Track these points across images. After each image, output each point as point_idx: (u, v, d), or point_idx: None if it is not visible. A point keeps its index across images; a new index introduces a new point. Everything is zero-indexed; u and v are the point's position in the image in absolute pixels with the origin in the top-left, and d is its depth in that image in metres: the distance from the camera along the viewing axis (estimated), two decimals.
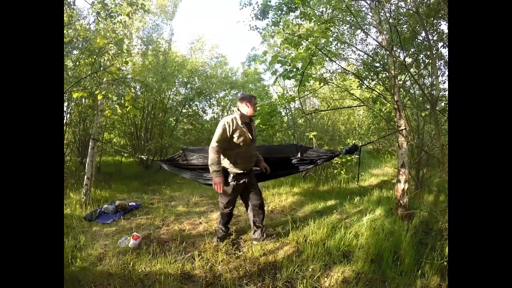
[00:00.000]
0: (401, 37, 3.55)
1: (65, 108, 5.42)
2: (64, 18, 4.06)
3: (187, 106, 7.94)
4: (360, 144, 3.80)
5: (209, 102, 8.76)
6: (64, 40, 4.30)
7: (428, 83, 4.54)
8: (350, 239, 2.48)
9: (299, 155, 2.85)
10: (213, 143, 2.29)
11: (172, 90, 7.46)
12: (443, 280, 1.88)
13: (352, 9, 3.83)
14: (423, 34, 3.61)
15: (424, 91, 3.83)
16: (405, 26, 3.90)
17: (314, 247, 2.34)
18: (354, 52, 4.90)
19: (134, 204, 3.69)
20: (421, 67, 4.22)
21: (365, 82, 4.22)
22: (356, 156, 5.53)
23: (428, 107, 3.94)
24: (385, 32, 3.45)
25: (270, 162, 2.75)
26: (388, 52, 3.30)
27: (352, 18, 3.95)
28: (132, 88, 6.04)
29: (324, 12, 4.09)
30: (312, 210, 3.52)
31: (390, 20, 3.63)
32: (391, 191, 4.08)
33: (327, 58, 4.19)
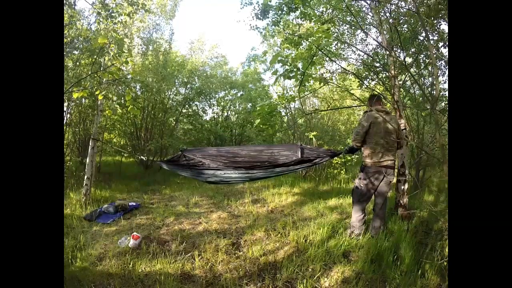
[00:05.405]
0: (401, 37, 3.55)
1: (65, 108, 5.42)
2: (65, 18, 4.06)
3: (187, 106, 7.95)
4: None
5: (209, 102, 8.77)
6: (65, 40, 4.29)
7: (428, 83, 4.54)
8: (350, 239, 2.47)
9: (299, 155, 2.85)
10: None
11: (172, 90, 7.47)
12: (443, 280, 1.88)
13: (352, 9, 3.83)
14: (423, 34, 3.61)
15: (424, 91, 3.83)
16: (405, 26, 3.90)
17: (314, 247, 2.34)
18: (354, 52, 4.90)
19: (134, 204, 3.69)
20: (421, 67, 4.22)
21: (365, 82, 4.22)
22: (356, 156, 5.55)
23: (428, 107, 3.94)
24: (385, 32, 3.45)
25: (271, 160, 2.75)
26: (388, 52, 3.30)
27: (352, 18, 3.96)
28: (132, 88, 6.03)
29: (324, 12, 4.09)
30: (312, 210, 3.52)
31: (390, 20, 3.63)
32: (391, 191, 4.08)
33: (327, 58, 4.19)
